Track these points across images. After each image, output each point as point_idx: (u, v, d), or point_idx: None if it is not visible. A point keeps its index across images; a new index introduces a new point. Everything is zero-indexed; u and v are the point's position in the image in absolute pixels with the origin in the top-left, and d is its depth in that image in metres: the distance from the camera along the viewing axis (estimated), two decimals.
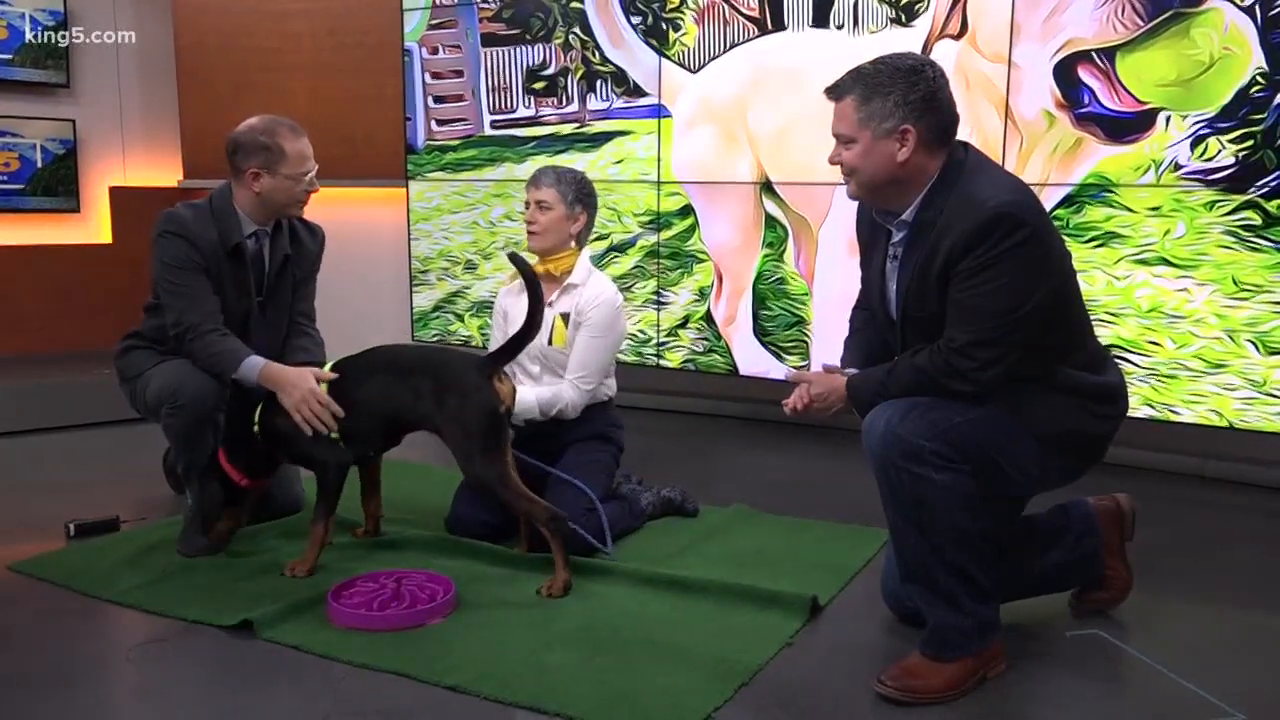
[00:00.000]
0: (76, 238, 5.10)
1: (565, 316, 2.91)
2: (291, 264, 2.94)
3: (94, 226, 5.17)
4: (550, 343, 2.90)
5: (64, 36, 4.95)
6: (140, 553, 2.69)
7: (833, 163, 2.09)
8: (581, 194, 2.95)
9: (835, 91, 2.07)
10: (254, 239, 2.85)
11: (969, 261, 1.92)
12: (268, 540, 2.81)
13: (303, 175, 2.78)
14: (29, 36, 4.87)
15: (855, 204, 2.25)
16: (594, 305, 2.89)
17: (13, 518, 3.05)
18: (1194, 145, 3.22)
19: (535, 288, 2.54)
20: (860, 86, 2.02)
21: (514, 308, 2.98)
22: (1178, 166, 3.26)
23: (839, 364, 2.30)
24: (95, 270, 5.02)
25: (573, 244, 2.96)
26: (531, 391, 2.81)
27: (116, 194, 5.14)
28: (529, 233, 2.95)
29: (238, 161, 2.77)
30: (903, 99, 1.98)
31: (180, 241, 2.72)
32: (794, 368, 3.99)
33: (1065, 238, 2.21)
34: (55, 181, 5.02)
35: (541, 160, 4.43)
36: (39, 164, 4.96)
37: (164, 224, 2.75)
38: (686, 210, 4.20)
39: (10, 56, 4.84)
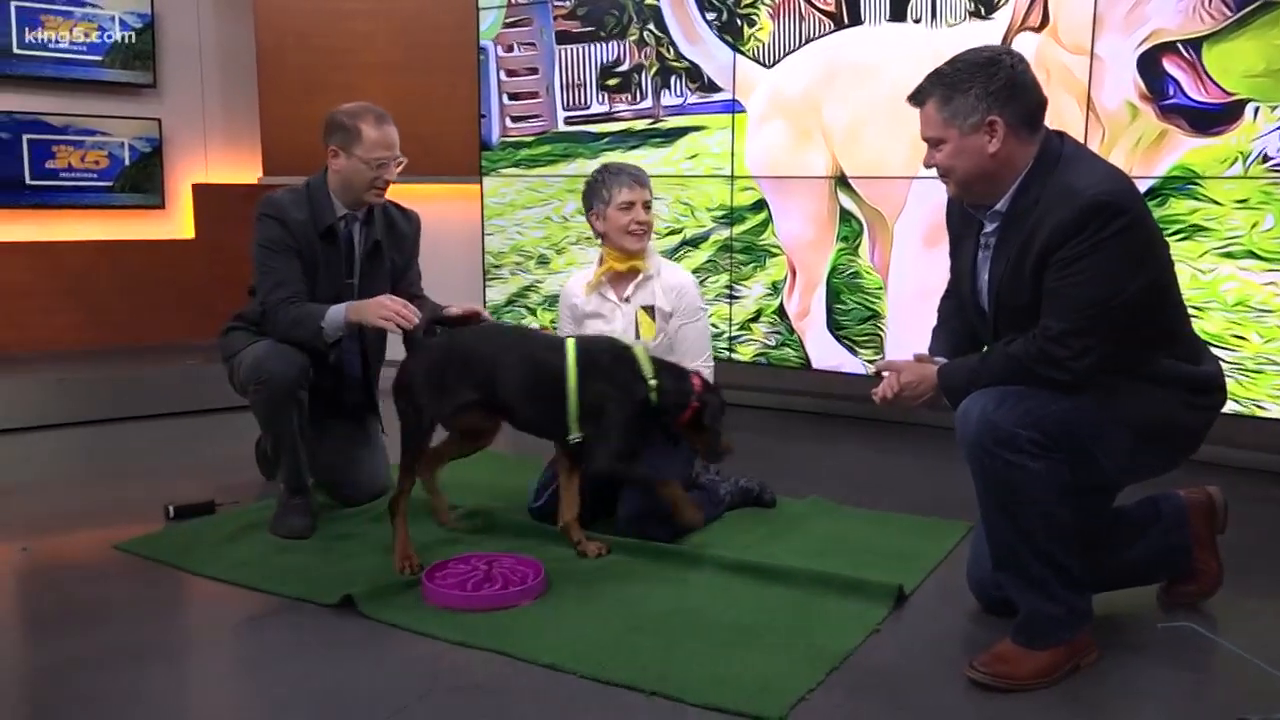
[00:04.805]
0: (160, 233, 5.24)
1: (649, 309, 2.93)
2: (387, 249, 3.02)
3: (177, 222, 5.31)
4: (638, 337, 2.92)
5: (150, 38, 5.10)
6: (237, 534, 2.79)
7: (928, 166, 2.11)
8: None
9: (917, 98, 2.09)
10: (344, 222, 2.94)
11: (1066, 250, 1.92)
12: (358, 524, 2.89)
13: (374, 161, 2.84)
14: (118, 38, 5.03)
15: (940, 197, 2.26)
16: (680, 293, 2.95)
17: (112, 500, 3.17)
18: None
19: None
20: (940, 88, 2.04)
21: (585, 303, 3.00)
22: (1266, 158, 3.20)
23: (928, 353, 2.31)
24: (178, 265, 5.15)
25: None
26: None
27: (199, 191, 5.27)
28: (642, 233, 2.93)
29: (325, 139, 2.89)
30: (984, 91, 1.99)
31: (273, 223, 2.85)
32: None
33: None
34: (141, 179, 5.18)
35: (614, 156, 4.48)
36: (126, 162, 5.12)
37: (261, 206, 2.89)
38: (760, 205, 4.21)
39: (100, 58, 5.00)
